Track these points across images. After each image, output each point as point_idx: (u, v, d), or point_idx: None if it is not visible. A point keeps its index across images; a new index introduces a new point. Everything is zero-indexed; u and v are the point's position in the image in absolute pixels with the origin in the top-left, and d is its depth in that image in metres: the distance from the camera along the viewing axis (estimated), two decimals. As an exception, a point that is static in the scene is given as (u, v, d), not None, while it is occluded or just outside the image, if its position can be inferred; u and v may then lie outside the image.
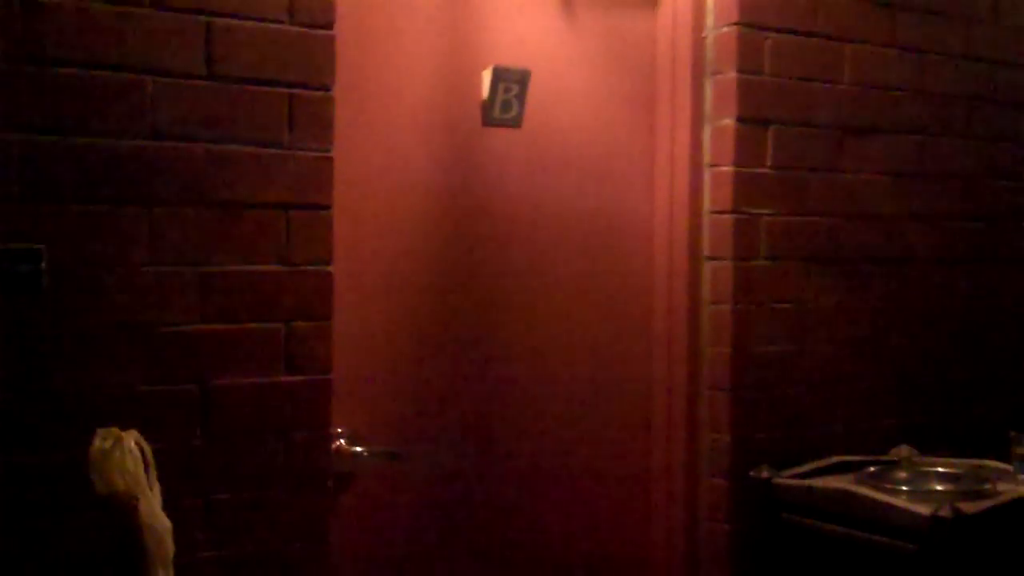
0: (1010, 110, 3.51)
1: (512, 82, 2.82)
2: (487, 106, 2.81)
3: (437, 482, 2.78)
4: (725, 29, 3.01)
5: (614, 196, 3.03)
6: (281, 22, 2.37)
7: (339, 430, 2.55)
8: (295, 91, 2.38)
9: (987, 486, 2.82)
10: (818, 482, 2.88)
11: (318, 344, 2.41)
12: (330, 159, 2.43)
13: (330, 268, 2.43)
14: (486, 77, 2.80)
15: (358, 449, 2.58)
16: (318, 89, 2.41)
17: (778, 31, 3.05)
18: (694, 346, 3.04)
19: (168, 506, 1.98)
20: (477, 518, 2.83)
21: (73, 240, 2.16)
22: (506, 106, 2.83)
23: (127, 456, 1.81)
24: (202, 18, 2.28)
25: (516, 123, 2.85)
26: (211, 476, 2.30)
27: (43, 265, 2.12)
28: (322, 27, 2.41)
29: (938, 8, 3.35)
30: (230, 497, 2.32)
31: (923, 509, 2.63)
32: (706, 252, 3.05)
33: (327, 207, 2.42)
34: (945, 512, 2.58)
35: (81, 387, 2.17)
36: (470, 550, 2.82)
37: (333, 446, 2.51)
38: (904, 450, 3.05)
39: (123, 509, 1.76)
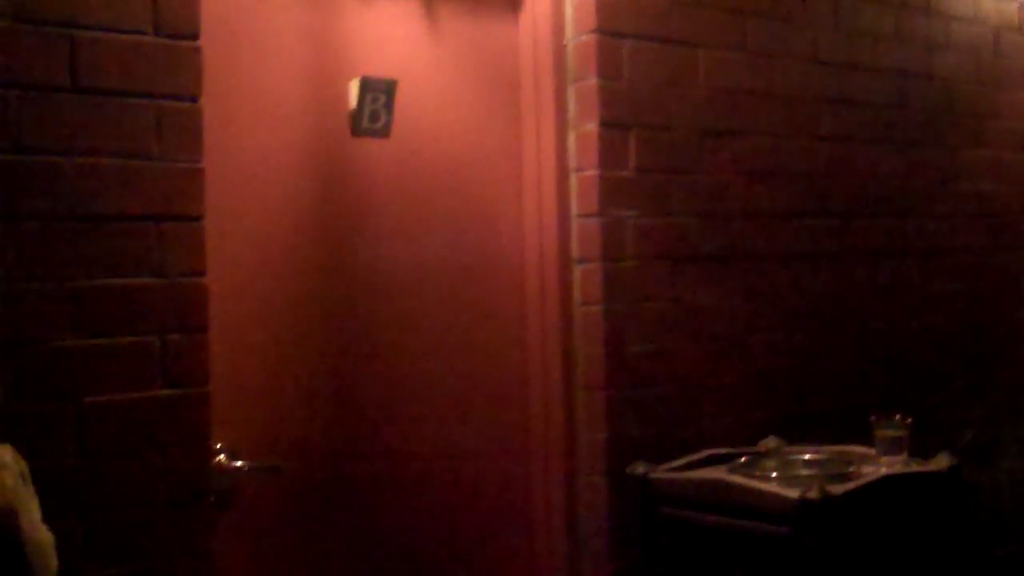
0: (856, 110, 3.67)
1: (379, 92, 2.84)
2: (356, 116, 2.82)
3: (320, 492, 2.77)
4: (584, 37, 3.09)
5: (484, 202, 3.07)
6: (145, 33, 2.34)
7: (219, 445, 2.52)
8: (162, 102, 2.35)
9: (851, 469, 2.94)
10: (692, 474, 2.96)
11: (194, 357, 2.38)
12: (201, 170, 2.41)
13: (204, 280, 2.40)
14: (353, 87, 2.82)
15: (239, 463, 2.55)
16: (186, 100, 2.39)
17: (636, 37, 3.14)
18: (568, 347, 3.10)
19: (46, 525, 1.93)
20: (360, 525, 2.83)
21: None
22: (374, 116, 2.85)
23: (4, 471, 1.76)
24: (66, 31, 2.24)
25: (385, 132, 2.87)
26: (89, 494, 2.25)
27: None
28: (187, 38, 2.39)
29: (783, 14, 3.49)
30: (109, 516, 2.27)
31: (792, 493, 2.72)
32: (576, 255, 3.11)
33: (198, 218, 2.40)
34: (813, 494, 2.68)
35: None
36: (354, 557, 2.81)
37: (214, 461, 2.48)
38: (772, 441, 3.16)
39: (4, 524, 1.71)
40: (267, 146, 2.69)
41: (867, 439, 3.08)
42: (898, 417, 3.04)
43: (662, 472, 2.99)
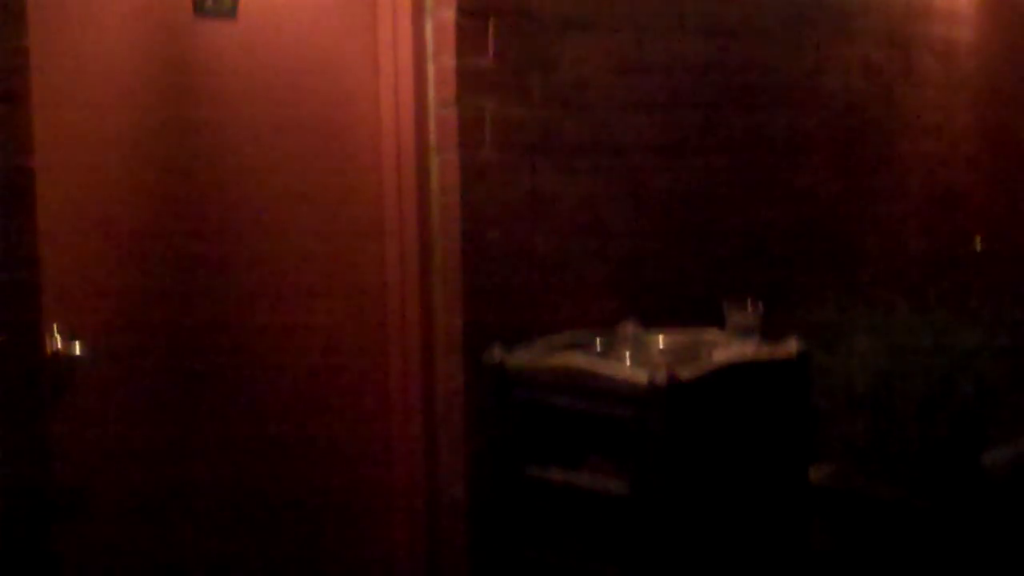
0: (724, 3, 3.66)
1: (224, -31, 2.77)
2: (199, -5, 2.74)
3: (169, 374, 2.75)
4: (440, -83, 3.03)
5: (338, 89, 3.02)
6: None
7: (56, 326, 2.46)
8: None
9: (703, 353, 2.99)
10: (546, 359, 2.98)
11: (22, 240, 2.31)
12: (25, 49, 2.32)
13: (30, 163, 2.32)
14: (197, -36, 2.74)
15: (77, 347, 2.50)
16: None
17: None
18: (425, 234, 3.09)
19: None
20: (211, 407, 2.82)
21: None
22: (219, -5, 2.77)
23: None
24: None
25: (231, 13, 2.80)
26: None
27: None
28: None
29: None
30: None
31: (641, 376, 2.76)
32: (433, 144, 3.08)
33: (24, 97, 2.31)
34: (660, 378, 2.73)
35: None
36: (206, 440, 2.81)
37: (50, 345, 2.44)
38: (629, 326, 3.20)
39: None
40: (100, 22, 2.60)
41: (723, 324, 3.13)
42: (750, 302, 3.09)
43: (517, 356, 3.01)
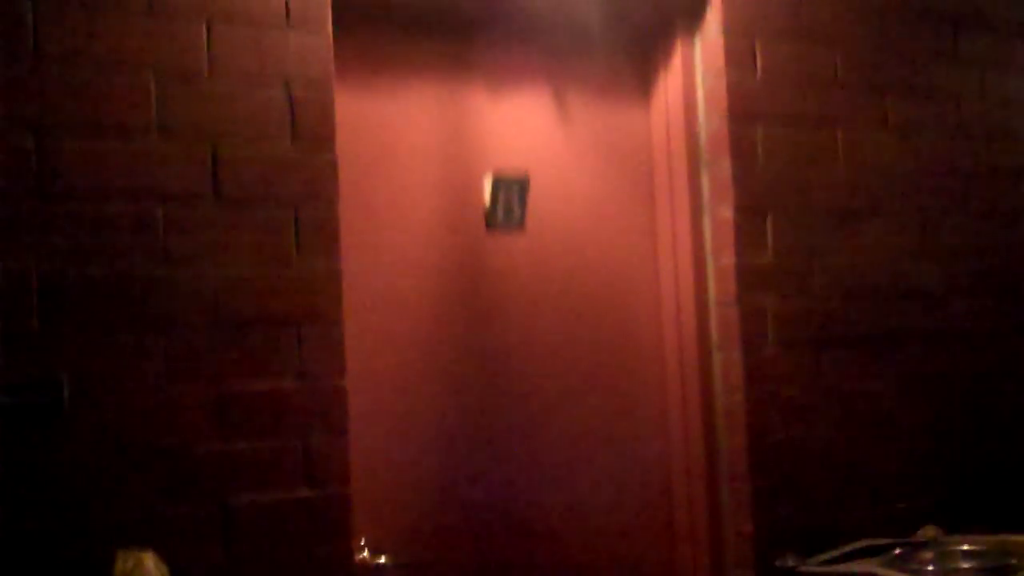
0: (1008, 181, 3.55)
1: (512, 186, 2.88)
2: (490, 211, 2.86)
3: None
4: (717, 122, 3.07)
5: (620, 290, 3.07)
6: (284, 143, 2.43)
7: (363, 541, 2.55)
8: (300, 209, 2.43)
9: (1013, 561, 2.79)
10: (842, 568, 2.86)
11: (335, 457, 2.42)
12: (338, 272, 2.47)
13: (344, 381, 2.45)
14: (487, 183, 2.86)
15: (382, 559, 2.57)
16: (324, 204, 2.46)
17: (770, 119, 3.10)
18: (710, 436, 3.05)
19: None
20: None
21: (90, 368, 2.21)
22: (508, 209, 2.88)
23: (150, 579, 1.82)
24: (208, 144, 2.35)
25: (519, 225, 2.90)
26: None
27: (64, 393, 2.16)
28: (324, 147, 2.48)
29: (925, 88, 3.41)
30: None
31: (950, 589, 2.61)
32: (715, 342, 3.07)
33: (338, 320, 2.45)
34: (972, 592, 2.57)
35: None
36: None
37: (357, 558, 2.51)
38: (931, 530, 3.03)
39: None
40: (405, 244, 2.75)
41: (1031, 529, 2.94)
42: (1064, 506, 2.90)
43: (812, 565, 2.90)
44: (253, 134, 2.40)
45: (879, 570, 2.78)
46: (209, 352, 2.31)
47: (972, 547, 2.93)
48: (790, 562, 2.89)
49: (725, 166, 3.05)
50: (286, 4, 2.47)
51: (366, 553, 2.56)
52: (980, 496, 3.31)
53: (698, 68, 3.11)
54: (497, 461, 2.85)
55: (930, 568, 2.80)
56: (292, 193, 2.43)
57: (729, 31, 3.05)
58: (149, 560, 1.89)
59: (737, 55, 3.05)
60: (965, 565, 2.82)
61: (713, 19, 3.06)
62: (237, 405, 2.33)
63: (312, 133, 2.46)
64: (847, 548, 2.98)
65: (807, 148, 3.17)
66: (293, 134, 2.44)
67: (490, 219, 2.87)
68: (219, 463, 2.30)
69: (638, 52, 3.14)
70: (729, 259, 3.04)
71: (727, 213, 3.05)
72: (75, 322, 2.20)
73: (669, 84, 3.13)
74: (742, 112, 3.07)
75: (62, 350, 2.19)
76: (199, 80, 2.36)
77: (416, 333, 2.75)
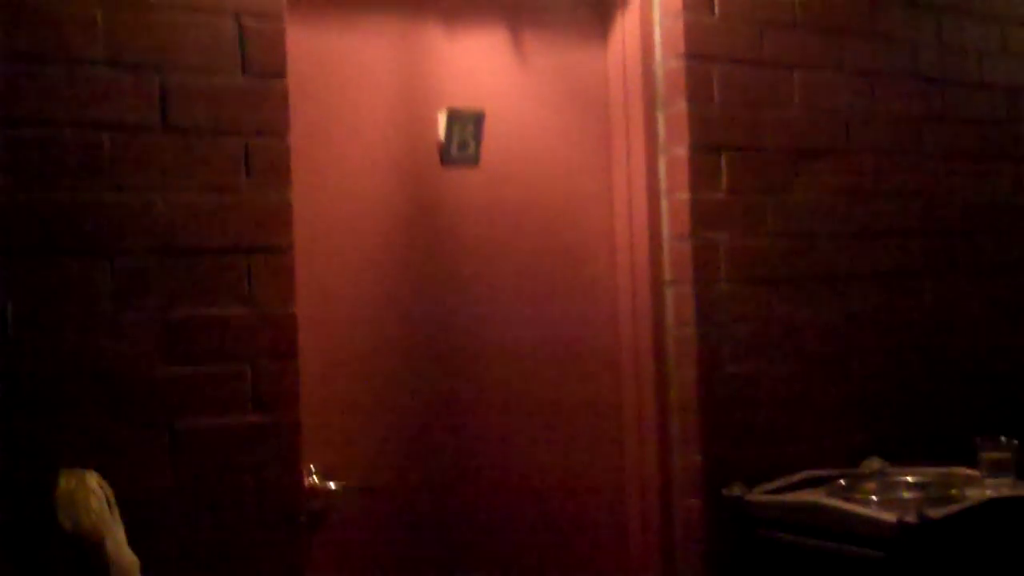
0: (961, 125, 3.59)
1: (467, 122, 2.91)
2: (444, 146, 2.89)
3: (414, 513, 2.83)
4: (673, 62, 3.10)
5: (575, 226, 3.10)
6: (233, 74, 2.45)
7: (312, 466, 2.60)
8: (250, 140, 2.46)
9: (954, 491, 2.86)
10: (789, 497, 2.93)
11: (284, 382, 2.46)
12: (288, 203, 2.50)
13: (293, 308, 2.49)
14: (441, 118, 2.88)
15: (332, 485, 2.62)
16: (274, 136, 2.49)
17: (726, 61, 3.13)
18: (661, 369, 3.10)
19: (140, 549, 2.03)
20: (453, 546, 2.87)
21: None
22: (463, 145, 2.91)
23: (91, 495, 1.86)
24: (157, 74, 2.37)
25: (473, 161, 2.93)
26: (181, 517, 2.34)
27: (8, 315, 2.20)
28: (274, 76, 2.50)
29: (883, 32, 3.44)
30: (201, 537, 2.36)
31: (889, 516, 2.67)
32: (668, 277, 3.11)
33: (288, 249, 2.49)
34: (911, 518, 2.63)
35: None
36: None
37: (306, 482, 2.55)
38: (874, 462, 3.10)
39: (90, 545, 1.80)
40: (359, 177, 2.78)
41: (972, 461, 3.00)
42: (1004, 439, 2.96)
43: (759, 494, 2.97)
44: (202, 64, 2.42)
45: (823, 499, 2.85)
46: (158, 279, 2.34)
47: (915, 478, 3.00)
48: (737, 491, 2.96)
49: (681, 105, 3.08)
50: (237, -66, 2.48)
51: (315, 478, 2.60)
52: (926, 431, 3.37)
53: (655, 8, 3.13)
54: (449, 386, 2.89)
55: (873, 497, 2.87)
56: (242, 124, 2.45)
57: (687, -29, 3.07)
58: (92, 479, 1.93)
59: (694, -5, 3.08)
60: (907, 495, 2.89)
61: (671, -42, 3.09)
62: (185, 330, 2.37)
63: (262, 65, 2.48)
64: (794, 478, 3.05)
65: (763, 89, 3.21)
66: (244, 66, 2.46)
67: (444, 154, 2.89)
68: (167, 387, 2.34)
69: (595, -10, 3.16)
70: (683, 195, 3.08)
71: (682, 151, 3.08)
72: (21, 246, 2.23)
73: (627, 23, 3.15)
74: (698, 52, 3.10)
75: (7, 274, 2.21)
76: (147, 9, 2.37)
77: (369, 264, 2.79)
